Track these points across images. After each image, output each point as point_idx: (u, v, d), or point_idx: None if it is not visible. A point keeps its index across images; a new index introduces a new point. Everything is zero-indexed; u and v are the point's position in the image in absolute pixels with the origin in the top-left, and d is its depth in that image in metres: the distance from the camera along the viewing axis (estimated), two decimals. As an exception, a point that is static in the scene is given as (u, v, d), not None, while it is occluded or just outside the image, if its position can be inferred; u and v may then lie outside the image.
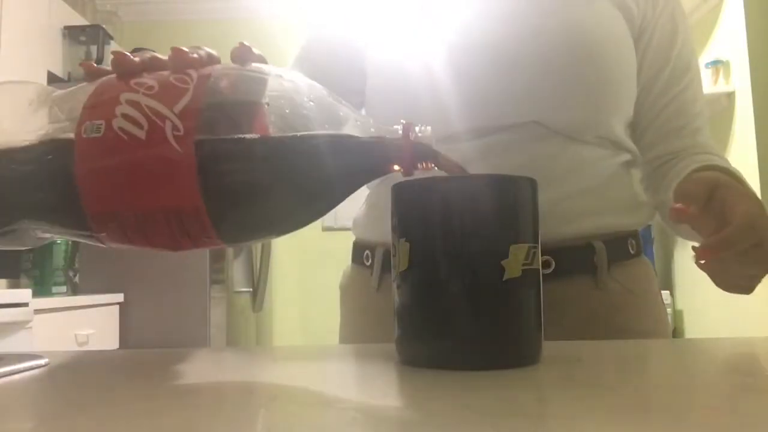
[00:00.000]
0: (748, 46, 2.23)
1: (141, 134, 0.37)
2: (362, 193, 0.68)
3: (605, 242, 0.67)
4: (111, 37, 3.18)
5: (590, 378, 0.39)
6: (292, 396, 0.36)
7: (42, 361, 0.44)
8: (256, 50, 0.43)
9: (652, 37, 0.75)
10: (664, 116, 0.76)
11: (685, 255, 2.73)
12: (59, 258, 2.56)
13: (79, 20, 3.17)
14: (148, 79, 0.40)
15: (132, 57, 0.42)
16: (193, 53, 0.41)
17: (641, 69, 0.74)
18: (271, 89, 0.40)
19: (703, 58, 2.53)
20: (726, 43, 2.39)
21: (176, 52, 0.41)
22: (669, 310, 2.66)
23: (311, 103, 0.40)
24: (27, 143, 0.40)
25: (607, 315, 0.68)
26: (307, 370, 0.45)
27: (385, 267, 0.73)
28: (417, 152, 0.42)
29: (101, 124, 0.38)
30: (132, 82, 0.40)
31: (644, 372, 0.43)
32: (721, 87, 2.37)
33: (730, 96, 2.34)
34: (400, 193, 0.44)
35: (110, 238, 0.41)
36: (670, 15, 0.75)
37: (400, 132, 0.42)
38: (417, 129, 0.42)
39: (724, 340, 0.57)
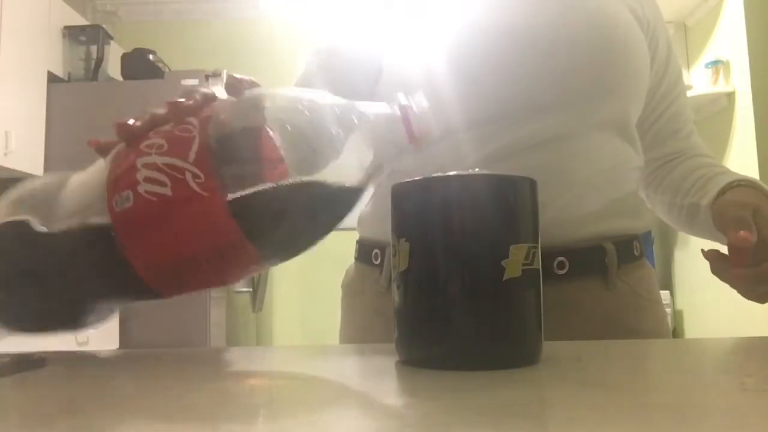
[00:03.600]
0: (748, 46, 2.23)
1: (167, 191, 0.40)
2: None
3: (614, 244, 0.69)
4: (111, 37, 3.18)
5: (590, 378, 0.39)
6: (292, 396, 0.36)
7: (42, 361, 0.44)
8: (246, 78, 0.45)
9: (658, 44, 0.78)
10: (664, 119, 0.80)
11: (685, 255, 2.73)
12: (59, 258, 2.55)
13: (79, 20, 3.17)
14: (155, 139, 0.42)
15: (133, 123, 0.43)
16: (188, 100, 0.43)
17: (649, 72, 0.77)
18: (269, 111, 0.42)
19: (703, 58, 2.53)
20: (726, 43, 2.39)
21: (171, 105, 0.42)
22: (669, 310, 2.66)
23: (307, 113, 0.42)
24: (66, 231, 0.42)
25: (618, 316, 0.69)
26: (307, 370, 0.45)
27: None
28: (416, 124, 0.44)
29: (129, 194, 0.40)
30: (142, 145, 0.42)
31: (644, 372, 0.43)
32: (721, 87, 2.37)
33: (730, 96, 2.34)
34: (400, 193, 0.44)
35: (171, 291, 0.44)
36: (663, 26, 0.80)
37: (398, 111, 0.44)
38: (414, 105, 0.44)
39: (724, 340, 0.57)
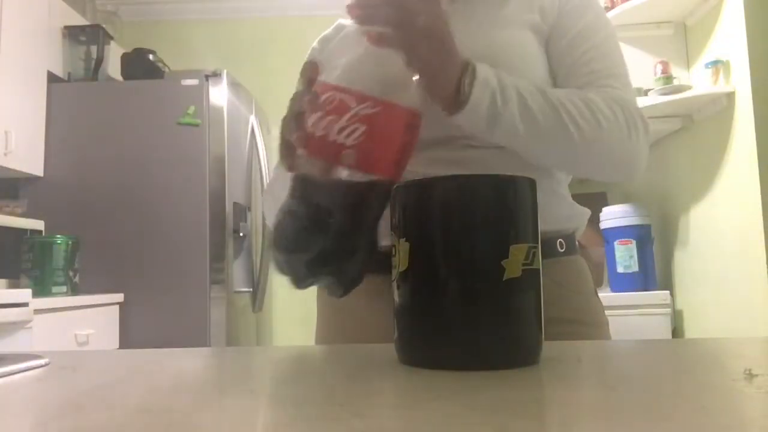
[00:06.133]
0: (748, 46, 2.23)
1: (364, 127, 0.52)
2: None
3: None
4: (111, 37, 3.18)
5: (590, 378, 0.39)
6: (292, 396, 0.36)
7: (42, 361, 0.44)
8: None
9: (568, 30, 0.79)
10: (574, 71, 0.79)
11: (685, 255, 2.73)
12: (59, 258, 2.55)
13: (79, 20, 3.17)
14: (321, 121, 0.53)
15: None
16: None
17: (554, 54, 0.79)
18: None
19: (703, 58, 2.53)
20: (726, 43, 2.39)
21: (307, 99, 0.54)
22: (669, 309, 2.65)
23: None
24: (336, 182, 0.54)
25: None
26: (307, 370, 0.45)
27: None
28: None
29: (349, 152, 0.52)
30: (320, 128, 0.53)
31: (644, 372, 0.43)
32: (721, 87, 2.36)
33: (730, 96, 2.34)
34: (400, 193, 0.44)
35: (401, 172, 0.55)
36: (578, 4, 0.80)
37: None
38: None
39: (724, 340, 0.57)
